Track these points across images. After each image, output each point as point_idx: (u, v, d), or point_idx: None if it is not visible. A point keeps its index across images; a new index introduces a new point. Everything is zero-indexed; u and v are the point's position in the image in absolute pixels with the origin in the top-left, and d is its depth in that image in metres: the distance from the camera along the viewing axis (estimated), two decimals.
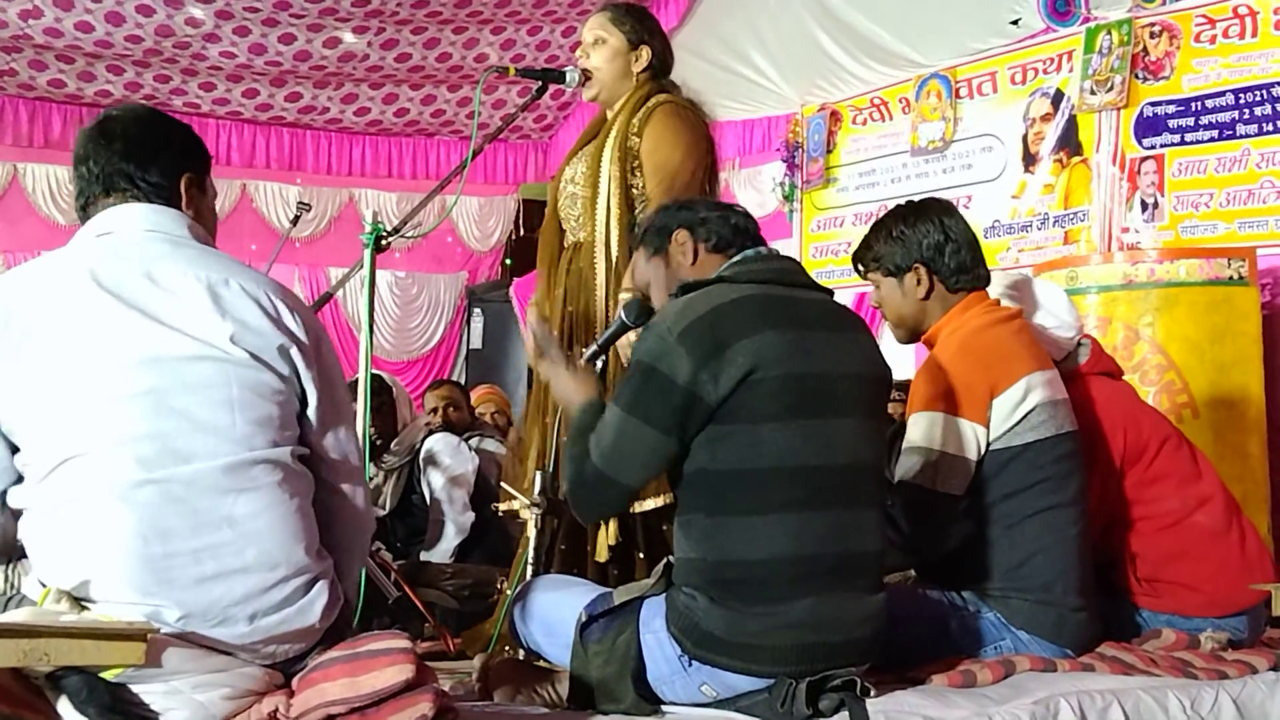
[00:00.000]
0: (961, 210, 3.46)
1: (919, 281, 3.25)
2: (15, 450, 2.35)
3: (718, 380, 2.49)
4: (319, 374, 2.46)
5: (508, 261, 10.93)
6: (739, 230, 2.85)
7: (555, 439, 3.52)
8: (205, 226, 2.55)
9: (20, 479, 2.36)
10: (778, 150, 8.43)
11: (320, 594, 2.39)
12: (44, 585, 2.26)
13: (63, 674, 2.12)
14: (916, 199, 3.42)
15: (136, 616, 2.19)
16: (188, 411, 2.28)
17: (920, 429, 3.08)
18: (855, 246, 3.42)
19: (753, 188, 8.51)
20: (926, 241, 3.24)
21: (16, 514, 2.39)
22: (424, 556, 4.98)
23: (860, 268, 3.39)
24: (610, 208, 3.69)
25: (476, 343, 10.63)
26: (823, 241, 8.16)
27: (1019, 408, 3.07)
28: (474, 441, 5.59)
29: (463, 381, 10.42)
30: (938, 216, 3.31)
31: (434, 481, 5.12)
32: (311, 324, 2.49)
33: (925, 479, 3.04)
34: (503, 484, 3.63)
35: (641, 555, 3.58)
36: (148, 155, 2.46)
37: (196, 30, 8.78)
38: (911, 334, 3.35)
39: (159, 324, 2.30)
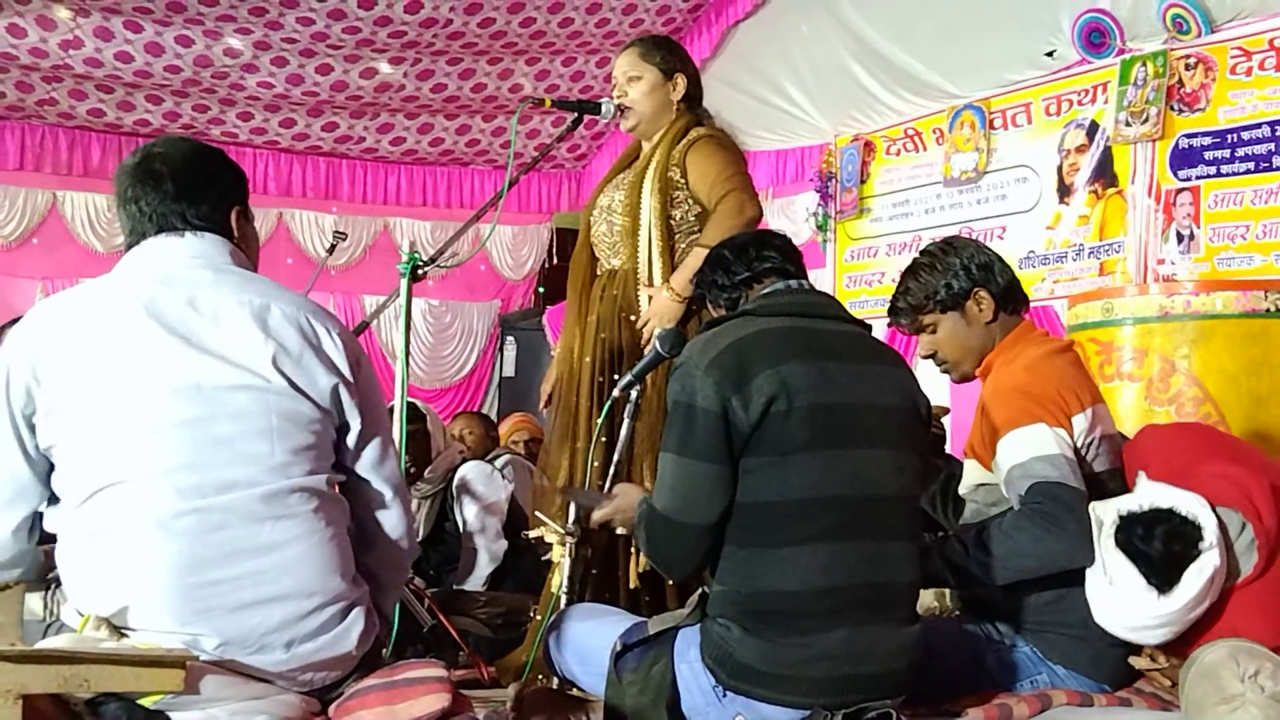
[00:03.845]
0: (996, 241, 3.43)
1: (981, 307, 3.18)
2: (52, 468, 2.38)
3: (747, 409, 2.49)
4: (360, 399, 2.48)
5: (541, 290, 10.96)
6: (748, 279, 2.84)
7: (589, 467, 3.54)
8: (249, 252, 2.58)
9: (55, 500, 2.39)
10: (811, 180, 8.44)
11: (356, 621, 2.40)
12: (81, 614, 2.27)
13: (102, 700, 2.13)
14: (938, 239, 3.39)
15: (175, 644, 2.20)
16: (227, 440, 2.30)
17: (1029, 441, 2.94)
18: (894, 304, 3.30)
19: (786, 218, 8.52)
20: (974, 264, 3.19)
21: (51, 538, 2.41)
22: (457, 584, 4.98)
23: (909, 318, 3.26)
24: (652, 239, 3.73)
25: (509, 370, 10.65)
26: (856, 271, 8.15)
27: (1085, 436, 3.02)
28: (500, 461, 5.62)
29: (495, 409, 10.46)
30: (970, 243, 3.30)
31: (467, 509, 5.12)
32: (351, 346, 2.51)
33: (1060, 476, 2.88)
34: (536, 512, 3.62)
35: (671, 583, 3.58)
36: (199, 193, 2.49)
37: (234, 60, 8.87)
38: (973, 368, 3.24)
39: (201, 352, 2.32)
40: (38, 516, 2.44)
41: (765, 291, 2.79)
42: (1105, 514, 2.82)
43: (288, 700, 2.30)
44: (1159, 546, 2.73)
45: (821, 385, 2.55)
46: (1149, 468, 3.00)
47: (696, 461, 2.53)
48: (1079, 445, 3.02)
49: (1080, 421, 3.02)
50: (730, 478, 2.53)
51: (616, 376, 3.69)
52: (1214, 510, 2.79)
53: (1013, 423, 2.97)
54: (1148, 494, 2.85)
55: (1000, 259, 3.26)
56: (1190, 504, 2.79)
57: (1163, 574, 2.73)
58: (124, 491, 2.27)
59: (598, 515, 3.07)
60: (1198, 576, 2.72)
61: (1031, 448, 2.94)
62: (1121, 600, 2.78)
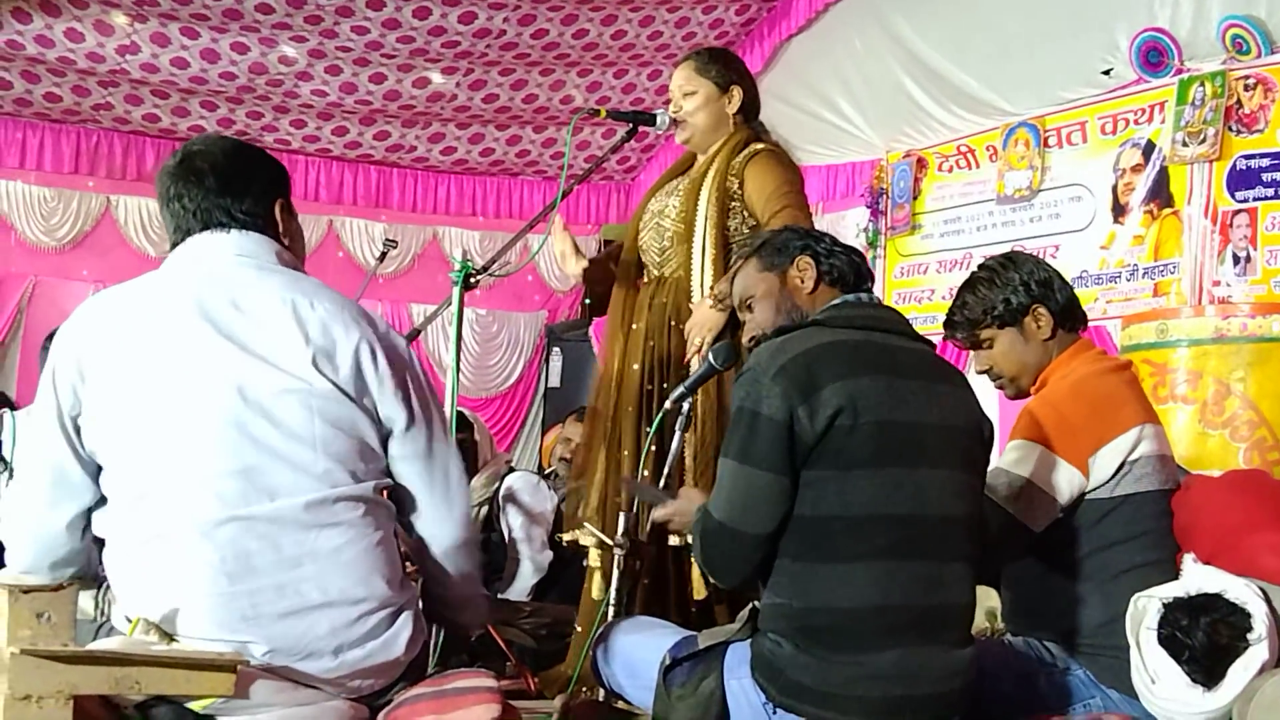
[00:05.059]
0: (1049, 260, 3.39)
1: (1039, 324, 3.15)
2: (100, 468, 2.38)
3: (813, 420, 2.45)
4: (405, 402, 2.46)
5: (587, 301, 10.93)
6: (857, 270, 2.82)
7: (638, 475, 3.53)
8: (296, 247, 2.58)
9: (104, 500, 2.39)
10: (862, 196, 8.39)
11: (405, 626, 2.39)
12: (129, 618, 2.27)
13: (152, 703, 2.14)
14: (991, 256, 3.36)
15: (224, 650, 2.20)
16: (271, 447, 2.30)
17: (1016, 455, 2.99)
18: (950, 318, 3.29)
19: (836, 233, 8.44)
20: (1034, 280, 3.16)
21: (100, 541, 2.42)
22: (501, 594, 4.98)
23: (966, 332, 3.24)
24: (706, 248, 3.72)
25: (555, 381, 10.64)
26: (906, 288, 8.10)
27: (1127, 457, 2.99)
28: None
29: (540, 421, 10.45)
30: (1030, 259, 3.27)
31: (513, 519, 5.12)
32: (397, 351, 2.49)
33: (1003, 500, 2.95)
34: (585, 523, 3.62)
35: (723, 604, 3.56)
36: (241, 188, 2.49)
37: (289, 68, 8.92)
38: (1029, 384, 3.21)
39: (245, 353, 2.32)
40: (89, 513, 2.44)
41: (835, 302, 2.75)
42: (1149, 605, 2.78)
43: (337, 706, 2.30)
44: (1203, 638, 2.68)
45: (888, 402, 2.51)
46: (1197, 533, 2.97)
47: (757, 471, 2.49)
48: (1121, 463, 3.00)
49: (1120, 444, 3.00)
50: (790, 489, 2.49)
51: (665, 385, 3.69)
52: (1266, 594, 2.75)
53: (1022, 433, 3.01)
54: (1195, 579, 2.81)
55: (1060, 276, 3.23)
56: (1240, 590, 2.74)
57: (1207, 669, 2.68)
58: (167, 498, 2.27)
59: (657, 514, 3.05)
60: (1244, 672, 2.66)
61: (1014, 459, 2.98)
62: (1166, 698, 2.74)
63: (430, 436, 2.53)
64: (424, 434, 2.51)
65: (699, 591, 3.52)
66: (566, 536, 3.81)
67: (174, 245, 2.51)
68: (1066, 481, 2.98)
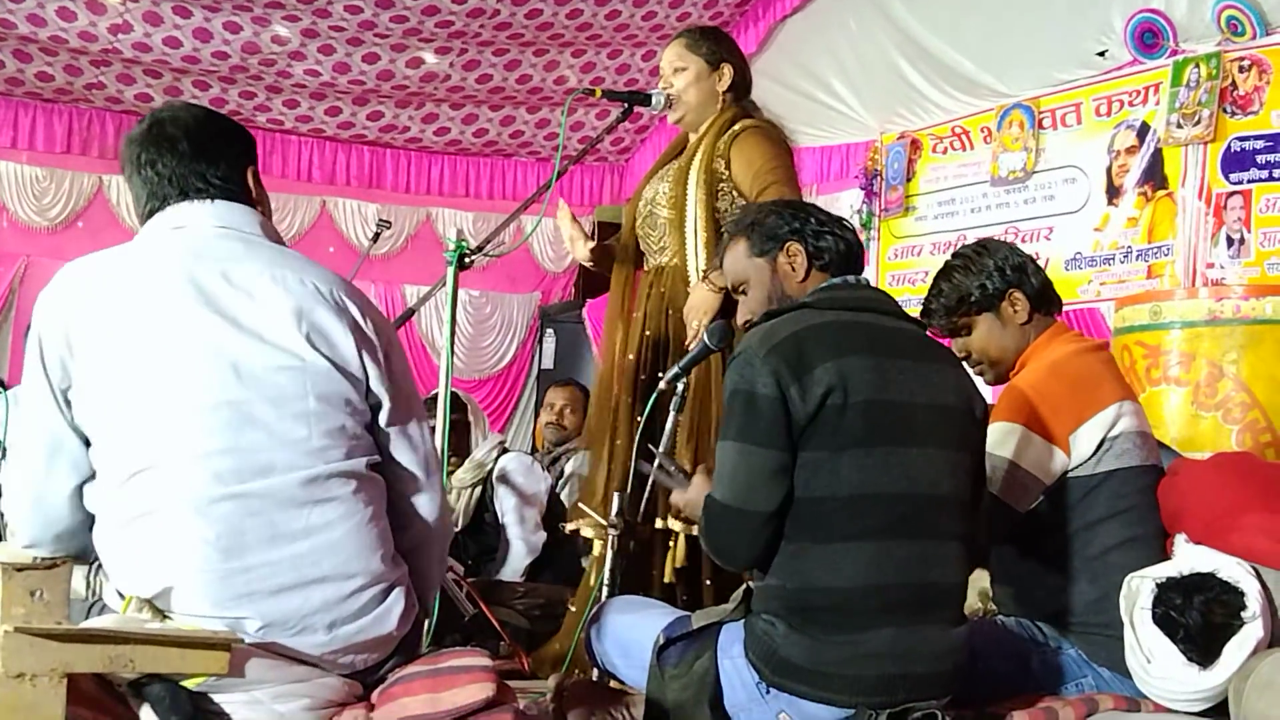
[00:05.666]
0: (1043, 242, 3.41)
1: (1015, 308, 3.18)
2: (89, 443, 2.36)
3: (805, 400, 2.46)
4: (390, 378, 2.45)
5: (582, 280, 10.96)
6: (847, 252, 2.82)
7: (632, 459, 3.53)
8: (267, 215, 2.56)
9: (93, 475, 2.37)
10: (856, 177, 8.40)
11: (397, 601, 2.38)
12: (121, 595, 2.27)
13: (146, 681, 2.13)
14: (968, 243, 3.37)
15: (218, 627, 2.19)
16: (266, 424, 2.28)
17: (997, 437, 3.00)
18: (927, 306, 3.31)
19: None
20: (1008, 265, 3.19)
21: (92, 518, 2.41)
22: (495, 575, 4.98)
23: (943, 319, 3.26)
24: (698, 232, 3.71)
25: (548, 363, 10.63)
26: (900, 270, 8.11)
27: (1107, 434, 3.01)
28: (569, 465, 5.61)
29: (534, 402, 10.45)
30: (1003, 245, 3.30)
31: (506, 501, 5.11)
32: (382, 327, 2.48)
33: (989, 484, 2.95)
34: (579, 504, 3.62)
35: (709, 582, 3.57)
36: (215, 154, 2.46)
37: (282, 48, 8.91)
38: (1009, 369, 3.24)
39: (238, 330, 2.30)
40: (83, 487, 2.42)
41: (824, 285, 2.76)
42: (1142, 586, 2.79)
43: (330, 683, 2.30)
44: (1197, 617, 2.70)
45: (879, 381, 2.52)
46: (1186, 518, 2.98)
47: (758, 449, 2.49)
48: (1099, 448, 3.02)
49: (1099, 421, 3.03)
50: (790, 465, 2.49)
51: (660, 374, 3.68)
52: (1258, 573, 2.76)
53: (1003, 415, 3.04)
54: (1187, 559, 2.83)
55: (1033, 260, 3.27)
56: (1232, 569, 2.75)
57: (1202, 648, 2.69)
58: (161, 475, 2.26)
59: (674, 498, 3.06)
60: (1239, 650, 2.67)
61: (997, 442, 2.99)
62: (1161, 676, 2.75)
63: (412, 413, 2.51)
64: (407, 409, 2.49)
65: (668, 575, 3.53)
66: (570, 526, 3.82)
67: (149, 213, 2.47)
68: (1049, 460, 3.00)
